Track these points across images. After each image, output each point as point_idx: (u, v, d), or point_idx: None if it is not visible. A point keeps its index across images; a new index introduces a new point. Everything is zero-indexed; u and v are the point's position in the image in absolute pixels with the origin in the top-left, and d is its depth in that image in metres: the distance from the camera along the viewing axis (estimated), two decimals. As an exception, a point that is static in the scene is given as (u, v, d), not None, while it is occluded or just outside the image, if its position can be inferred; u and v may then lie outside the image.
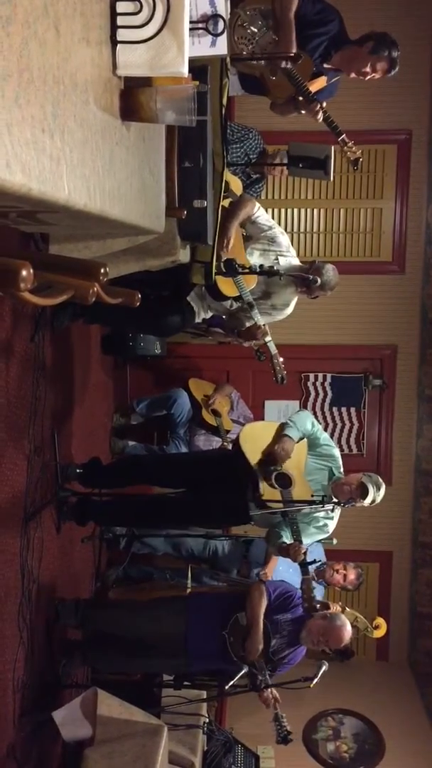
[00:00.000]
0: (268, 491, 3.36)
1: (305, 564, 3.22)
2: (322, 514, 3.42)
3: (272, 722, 3.06)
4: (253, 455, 3.43)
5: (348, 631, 3.27)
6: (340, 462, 3.59)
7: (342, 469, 3.58)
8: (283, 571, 4.25)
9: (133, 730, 3.04)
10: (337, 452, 3.60)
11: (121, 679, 3.96)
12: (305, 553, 3.22)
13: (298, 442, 3.46)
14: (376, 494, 3.36)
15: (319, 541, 3.68)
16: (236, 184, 3.75)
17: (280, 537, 3.39)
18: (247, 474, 3.42)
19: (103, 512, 3.79)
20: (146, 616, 3.41)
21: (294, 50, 3.19)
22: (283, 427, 3.48)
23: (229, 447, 4.32)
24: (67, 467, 3.67)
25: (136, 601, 3.73)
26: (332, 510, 3.37)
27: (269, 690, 3.08)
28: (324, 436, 3.61)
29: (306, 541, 3.43)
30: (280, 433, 3.44)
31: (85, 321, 3.82)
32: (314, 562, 3.23)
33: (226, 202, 3.45)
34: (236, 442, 3.61)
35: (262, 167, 4.38)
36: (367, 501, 3.34)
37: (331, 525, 3.51)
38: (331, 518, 3.47)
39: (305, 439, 3.52)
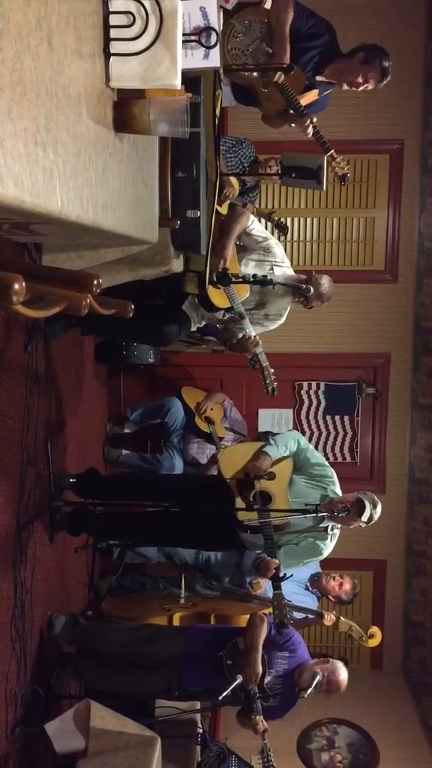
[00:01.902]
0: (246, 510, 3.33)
1: (277, 579, 3.17)
2: (314, 535, 3.39)
3: (259, 755, 3.01)
4: (232, 473, 3.42)
5: (346, 678, 3.27)
6: (337, 484, 3.52)
7: (339, 490, 3.51)
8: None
9: (127, 741, 3.02)
10: (331, 471, 3.54)
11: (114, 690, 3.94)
12: (277, 569, 3.18)
13: (283, 460, 3.44)
14: (373, 511, 3.31)
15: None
16: (235, 187, 3.77)
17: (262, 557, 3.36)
18: (228, 492, 3.41)
19: (97, 524, 3.77)
20: (143, 636, 3.39)
21: (287, 63, 3.21)
22: (264, 445, 3.48)
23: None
24: (60, 476, 3.66)
25: (133, 621, 3.73)
26: (330, 530, 3.36)
27: (260, 717, 3.02)
28: (316, 458, 3.56)
29: (291, 561, 3.43)
30: (259, 450, 3.45)
31: (81, 332, 3.81)
32: (285, 577, 3.19)
33: (223, 208, 3.45)
34: (214, 458, 3.60)
35: (257, 176, 4.40)
36: (364, 517, 3.29)
37: (327, 547, 3.47)
38: (326, 538, 3.43)
39: (290, 459, 3.49)
